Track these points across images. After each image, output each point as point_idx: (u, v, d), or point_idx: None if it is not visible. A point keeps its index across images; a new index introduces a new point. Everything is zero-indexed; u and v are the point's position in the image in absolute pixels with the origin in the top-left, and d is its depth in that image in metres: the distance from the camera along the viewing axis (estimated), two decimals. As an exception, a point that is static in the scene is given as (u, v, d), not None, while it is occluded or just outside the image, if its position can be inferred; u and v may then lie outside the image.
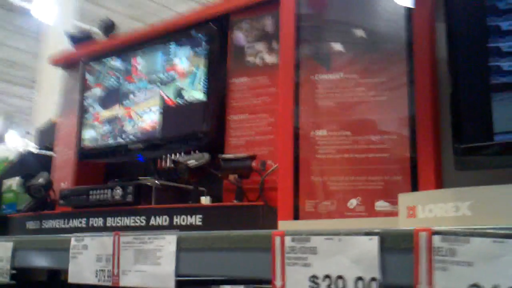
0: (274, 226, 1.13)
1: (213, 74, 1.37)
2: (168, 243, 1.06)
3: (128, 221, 1.30)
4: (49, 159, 2.10)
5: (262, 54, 1.37)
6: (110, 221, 1.34)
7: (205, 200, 1.42)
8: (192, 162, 1.23)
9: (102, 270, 1.18)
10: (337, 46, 1.16)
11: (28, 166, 2.04)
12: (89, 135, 1.60)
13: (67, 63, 1.89)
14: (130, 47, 1.56)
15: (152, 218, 1.26)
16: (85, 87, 1.66)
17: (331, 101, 1.13)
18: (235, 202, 1.21)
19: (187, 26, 1.46)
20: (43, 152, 2.12)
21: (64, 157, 1.77)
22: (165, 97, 1.44)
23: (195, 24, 1.44)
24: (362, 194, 1.08)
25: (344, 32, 1.17)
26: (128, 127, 1.51)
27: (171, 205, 1.25)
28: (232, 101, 1.39)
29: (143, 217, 1.28)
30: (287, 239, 0.88)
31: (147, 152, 1.46)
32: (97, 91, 1.62)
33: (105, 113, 1.58)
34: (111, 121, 1.56)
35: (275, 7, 1.37)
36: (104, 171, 1.84)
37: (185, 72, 1.42)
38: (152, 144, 1.44)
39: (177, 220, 1.22)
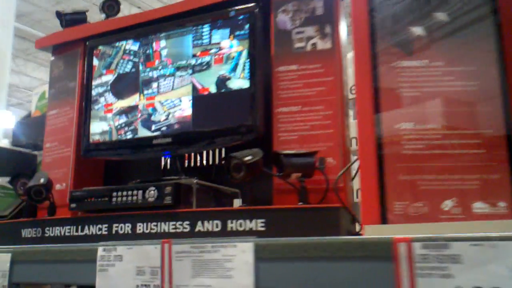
0: (351, 231, 1.01)
1: (258, 60, 1.23)
2: (241, 252, 0.91)
3: (166, 227, 1.13)
4: (29, 157, 1.87)
5: (314, 40, 1.24)
6: (141, 228, 1.16)
7: (237, 203, 1.28)
8: (249, 158, 1.08)
9: (146, 285, 1.00)
10: (418, 31, 1.06)
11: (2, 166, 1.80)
12: (99, 129, 1.40)
13: (58, 47, 1.68)
14: (150, 29, 1.39)
15: (199, 223, 1.10)
16: (92, 74, 1.46)
17: (416, 91, 1.03)
18: (302, 204, 1.08)
19: (223, 6, 1.31)
20: (21, 149, 1.88)
21: (58, 155, 1.56)
22: (199, 86, 1.28)
23: (233, 4, 1.29)
24: (457, 194, 0.98)
25: (425, 15, 1.07)
26: (152, 120, 1.33)
27: (223, 208, 1.10)
28: (279, 92, 1.25)
29: (187, 222, 1.11)
30: (416, 246, 0.76)
31: (177, 147, 1.29)
32: (109, 79, 1.42)
33: (120, 104, 1.39)
34: (128, 112, 1.37)
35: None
36: (103, 172, 1.64)
37: (223, 58, 1.26)
38: (185, 138, 1.27)
39: (232, 225, 1.07)
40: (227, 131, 1.22)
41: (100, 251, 1.09)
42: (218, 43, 1.28)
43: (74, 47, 1.64)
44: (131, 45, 1.41)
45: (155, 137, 1.31)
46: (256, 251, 0.89)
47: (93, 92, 1.44)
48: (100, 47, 1.46)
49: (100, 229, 1.22)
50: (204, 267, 0.94)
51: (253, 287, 0.88)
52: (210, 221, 1.09)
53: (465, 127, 1.01)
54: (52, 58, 1.71)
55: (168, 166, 1.45)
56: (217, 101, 1.25)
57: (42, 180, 1.37)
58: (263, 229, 1.04)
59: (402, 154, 1.01)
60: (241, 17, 1.26)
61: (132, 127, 1.36)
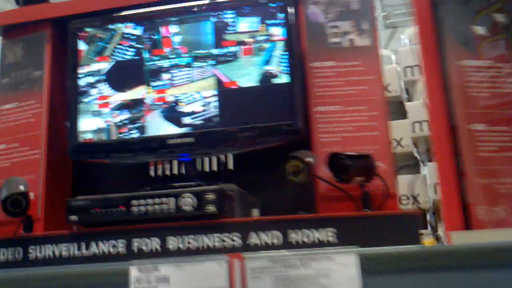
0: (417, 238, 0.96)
1: (296, 53, 1.14)
2: (341, 266, 0.81)
3: (209, 240, 0.98)
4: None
5: (351, 36, 1.18)
6: (174, 243, 0.99)
7: (256, 213, 1.17)
8: (311, 160, 0.98)
9: (209, 312, 0.85)
10: (481, 30, 1.06)
11: None
12: (93, 126, 1.19)
13: (12, 28, 1.41)
14: (156, 12, 1.21)
15: (253, 235, 0.97)
16: (78, 60, 1.23)
17: (484, 91, 1.02)
18: (368, 211, 1.00)
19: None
20: None
21: (20, 159, 1.29)
22: (225, 79, 1.14)
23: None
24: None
25: (487, 15, 1.07)
26: (166, 116, 1.16)
27: (283, 216, 0.98)
28: (315, 89, 1.17)
29: (237, 234, 0.97)
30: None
31: (200, 148, 1.13)
32: (102, 67, 1.22)
33: (120, 96, 1.19)
34: (131, 107, 1.18)
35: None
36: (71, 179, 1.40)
37: (254, 49, 1.15)
38: (210, 138, 1.13)
39: (297, 236, 0.96)
40: (264, 131, 1.11)
41: (135, 272, 0.91)
42: (247, 32, 1.16)
43: (38, 28, 1.39)
44: (132, 29, 1.22)
45: (171, 137, 1.14)
46: (361, 263, 0.80)
47: (81, 82, 1.22)
48: (88, 29, 1.24)
49: (114, 246, 1.02)
50: (291, 285, 0.82)
51: (361, 306, 0.78)
52: (268, 232, 0.97)
53: (530, 129, 1.02)
54: (3, 41, 1.43)
55: (172, 171, 1.27)
56: (250, 97, 1.13)
57: (22, 188, 1.12)
58: (334, 240, 0.95)
59: (478, 156, 0.99)
60: (273, 4, 1.16)
61: (138, 124, 1.17)
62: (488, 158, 0.98)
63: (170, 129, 1.15)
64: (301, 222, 0.97)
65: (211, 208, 0.99)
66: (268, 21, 1.16)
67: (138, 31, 1.22)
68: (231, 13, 1.18)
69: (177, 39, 1.19)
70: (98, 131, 1.19)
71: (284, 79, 1.12)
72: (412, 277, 0.78)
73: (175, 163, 1.20)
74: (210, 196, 0.99)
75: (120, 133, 1.18)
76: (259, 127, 1.12)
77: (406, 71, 2.06)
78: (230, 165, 1.15)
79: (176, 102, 1.16)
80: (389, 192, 1.05)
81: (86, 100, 1.22)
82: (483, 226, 0.94)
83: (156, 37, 1.21)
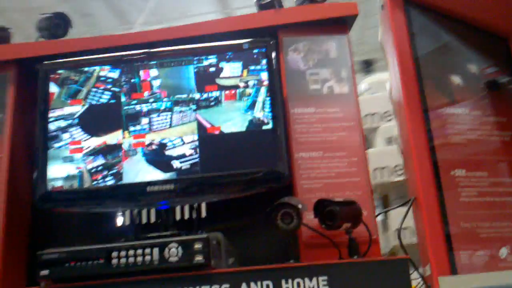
0: (409, 284, 0.96)
1: (278, 99, 1.14)
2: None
3: (199, 293, 0.93)
4: None
5: (330, 83, 1.21)
6: (159, 296, 0.94)
7: (231, 262, 1.14)
8: (301, 206, 0.97)
9: None
10: (457, 80, 1.12)
11: None
12: (63, 173, 1.12)
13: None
14: (136, 55, 1.19)
15: (243, 285, 0.93)
16: (48, 103, 1.18)
17: (462, 138, 1.06)
18: (356, 257, 0.99)
19: (231, 37, 1.19)
20: None
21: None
22: (207, 124, 1.13)
23: (244, 36, 1.19)
24: (510, 241, 1.02)
25: (462, 66, 1.14)
26: (144, 162, 1.12)
27: (275, 265, 0.95)
28: (297, 135, 1.17)
29: (226, 286, 0.93)
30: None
31: (180, 196, 1.09)
32: (75, 110, 1.17)
33: (94, 141, 1.14)
34: (107, 152, 1.13)
35: (336, 30, 1.26)
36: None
37: (237, 94, 1.14)
38: (192, 185, 1.09)
39: (288, 285, 0.93)
40: (247, 177, 1.09)
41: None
42: (229, 77, 1.16)
43: (0, 69, 1.33)
44: (108, 72, 1.19)
45: (150, 183, 1.10)
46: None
47: (51, 126, 1.16)
48: (60, 71, 1.20)
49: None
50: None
51: None
52: (259, 282, 0.94)
53: (507, 174, 1.07)
54: None
55: (141, 220, 1.22)
56: (233, 142, 1.11)
57: (-16, 240, 1.03)
58: (326, 287, 0.93)
59: (460, 202, 1.02)
60: (256, 50, 1.17)
61: (113, 171, 1.12)
62: (469, 203, 1.01)
63: (148, 176, 1.11)
64: (294, 270, 0.94)
65: (199, 259, 0.95)
66: (250, 67, 1.16)
67: (115, 74, 1.19)
68: (213, 58, 1.18)
69: (156, 83, 1.17)
70: (69, 178, 1.13)
71: (268, 124, 1.12)
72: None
73: (144, 212, 1.16)
74: (198, 246, 0.95)
75: (94, 180, 1.12)
76: (243, 173, 1.10)
77: (366, 119, 2.12)
78: (204, 213, 1.12)
79: (156, 148, 1.13)
80: (372, 238, 1.06)
81: (56, 145, 1.15)
82: (468, 271, 0.96)
83: (134, 80, 1.18)
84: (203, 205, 1.14)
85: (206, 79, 1.16)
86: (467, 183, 1.02)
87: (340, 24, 1.25)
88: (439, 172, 1.01)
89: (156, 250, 0.96)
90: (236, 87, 1.15)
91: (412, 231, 1.65)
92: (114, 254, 0.97)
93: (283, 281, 0.94)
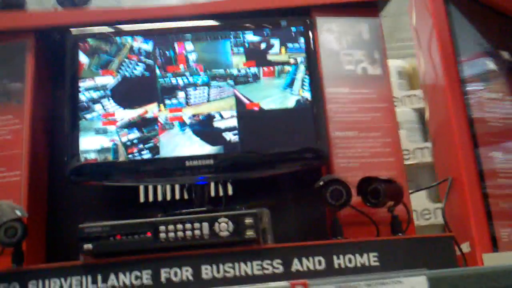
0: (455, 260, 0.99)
1: (316, 77, 1.14)
2: (410, 290, 0.81)
3: (248, 268, 0.93)
4: None
5: (363, 64, 1.22)
6: (209, 271, 0.93)
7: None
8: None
9: None
10: (491, 65, 1.15)
11: None
12: (96, 145, 1.09)
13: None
14: (171, 28, 1.16)
15: (295, 261, 0.94)
16: (78, 73, 1.13)
17: (498, 121, 1.10)
18: (401, 235, 1.02)
19: (269, 14, 1.18)
20: None
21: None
22: (245, 100, 1.12)
23: (283, 14, 1.18)
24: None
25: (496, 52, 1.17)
26: (181, 136, 1.09)
27: (327, 241, 0.96)
28: (332, 114, 1.18)
29: (278, 261, 0.94)
30: None
31: (219, 172, 1.08)
32: (107, 81, 1.13)
33: (128, 114, 1.11)
34: (142, 125, 1.10)
35: (368, 12, 1.27)
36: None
37: (275, 71, 1.13)
38: (232, 162, 1.08)
39: (339, 261, 0.94)
40: (288, 155, 1.09)
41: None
42: (267, 54, 1.15)
43: (16, 37, 1.26)
44: (141, 43, 1.15)
45: (189, 158, 1.08)
46: (431, 285, 0.81)
47: (82, 97, 1.12)
48: (90, 41, 1.15)
49: (137, 278, 0.93)
50: (358, 311, 0.81)
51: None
52: (311, 258, 0.94)
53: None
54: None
55: (170, 196, 1.20)
56: (272, 119, 1.11)
57: (18, 213, 0.99)
58: (376, 263, 0.95)
59: (498, 183, 1.06)
60: (294, 28, 1.16)
61: (150, 145, 1.09)
62: (507, 184, 1.05)
63: (186, 150, 1.10)
64: (345, 246, 0.96)
65: (250, 233, 0.94)
66: (288, 44, 1.16)
67: (148, 46, 1.16)
68: (249, 34, 1.16)
69: (192, 56, 1.15)
70: (103, 151, 1.10)
71: (307, 103, 1.12)
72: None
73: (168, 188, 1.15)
74: (249, 221, 0.95)
75: (129, 153, 1.10)
76: (283, 151, 1.10)
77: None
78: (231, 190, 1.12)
79: (193, 122, 1.11)
80: (410, 217, 1.09)
81: (88, 116, 1.12)
82: (509, 249, 1.00)
83: (169, 53, 1.15)
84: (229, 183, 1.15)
85: (243, 54, 1.15)
86: (504, 164, 1.06)
87: (372, 7, 1.27)
88: (479, 150, 1.05)
89: (205, 225, 0.95)
90: (274, 63, 1.15)
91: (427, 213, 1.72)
92: (162, 228, 0.96)
93: (334, 257, 0.95)
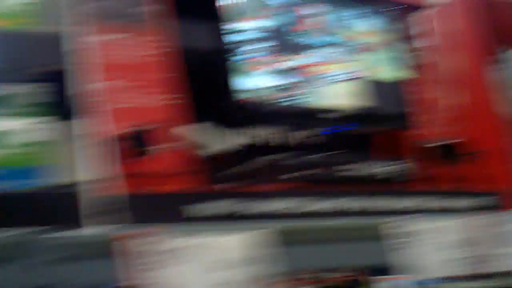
0: None
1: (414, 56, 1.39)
2: None
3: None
4: None
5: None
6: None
7: None
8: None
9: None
10: None
11: None
12: (250, 85, 1.17)
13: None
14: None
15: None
16: (227, 15, 1.18)
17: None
18: None
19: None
20: None
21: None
22: (371, 65, 1.32)
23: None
24: None
25: None
26: (322, 89, 1.24)
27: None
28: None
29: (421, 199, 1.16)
30: None
31: (361, 124, 1.29)
32: (258, 26, 1.20)
33: (277, 62, 1.22)
34: (289, 74, 1.21)
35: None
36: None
37: (389, 43, 1.35)
38: (369, 115, 1.29)
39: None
40: (403, 115, 1.32)
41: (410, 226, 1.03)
42: (379, 30, 1.35)
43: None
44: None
45: (330, 111, 1.23)
46: None
47: (232, 38, 1.18)
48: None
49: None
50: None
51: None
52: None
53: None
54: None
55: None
56: (382, 87, 1.32)
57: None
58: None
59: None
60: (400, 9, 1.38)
61: (297, 92, 1.21)
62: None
63: (325, 102, 1.24)
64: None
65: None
66: (397, 23, 1.37)
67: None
68: (368, 10, 1.34)
69: (326, 19, 1.29)
70: (252, 92, 1.18)
71: (409, 76, 1.35)
72: None
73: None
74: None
75: (276, 99, 1.20)
76: (393, 113, 1.32)
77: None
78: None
79: (331, 78, 1.26)
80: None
81: (236, 58, 1.18)
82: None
83: (309, 13, 1.27)
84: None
85: (367, 26, 1.33)
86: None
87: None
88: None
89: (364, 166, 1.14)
90: (387, 38, 1.35)
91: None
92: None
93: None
